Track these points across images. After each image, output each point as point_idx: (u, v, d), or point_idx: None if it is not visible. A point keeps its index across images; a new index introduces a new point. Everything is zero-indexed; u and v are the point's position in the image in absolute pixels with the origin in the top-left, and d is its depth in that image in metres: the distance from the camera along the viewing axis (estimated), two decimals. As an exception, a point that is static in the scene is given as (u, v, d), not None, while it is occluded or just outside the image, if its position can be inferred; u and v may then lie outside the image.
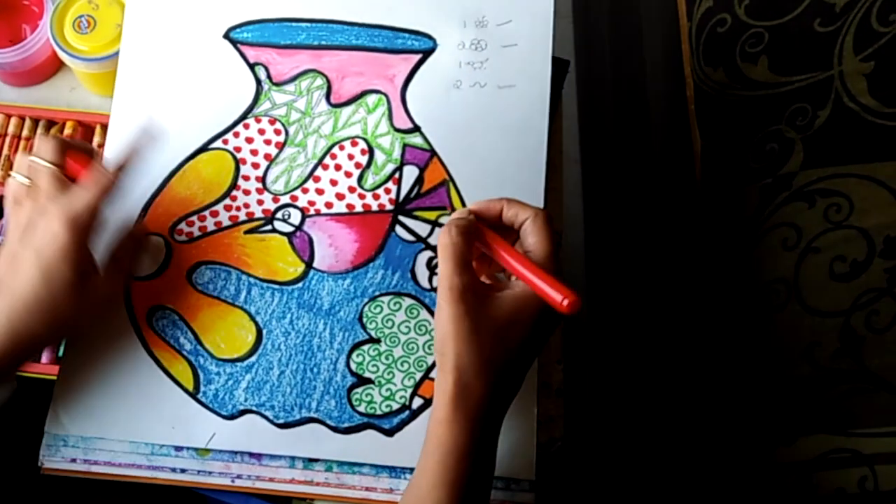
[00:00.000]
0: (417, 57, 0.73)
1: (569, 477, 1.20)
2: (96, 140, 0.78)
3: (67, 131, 0.78)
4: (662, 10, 1.13)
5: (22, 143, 0.78)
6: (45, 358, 0.73)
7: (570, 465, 1.21)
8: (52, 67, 0.82)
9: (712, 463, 0.94)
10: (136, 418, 0.65)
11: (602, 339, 1.31)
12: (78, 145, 0.65)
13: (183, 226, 0.69)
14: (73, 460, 0.66)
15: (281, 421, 0.65)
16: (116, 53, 0.75)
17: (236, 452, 0.65)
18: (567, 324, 0.75)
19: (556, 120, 0.77)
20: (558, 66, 0.76)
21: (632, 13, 1.27)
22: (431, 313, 0.67)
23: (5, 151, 0.77)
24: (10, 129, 0.78)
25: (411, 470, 0.64)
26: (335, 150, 0.71)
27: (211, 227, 0.69)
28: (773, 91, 0.90)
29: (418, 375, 0.66)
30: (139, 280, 0.68)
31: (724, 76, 0.95)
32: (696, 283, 1.04)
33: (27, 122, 0.79)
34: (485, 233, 0.60)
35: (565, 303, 0.55)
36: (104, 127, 0.78)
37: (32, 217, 0.60)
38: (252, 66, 0.72)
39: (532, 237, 0.59)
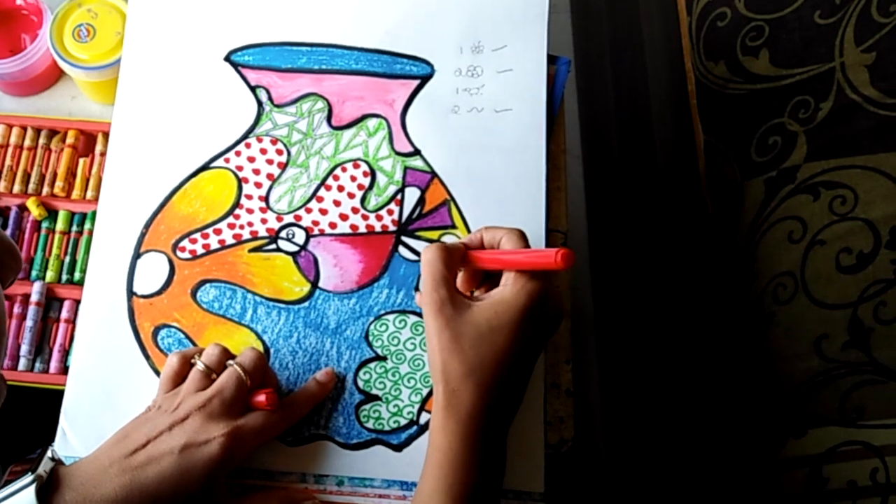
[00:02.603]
0: (416, 82, 0.74)
1: (579, 476, 1.22)
2: (98, 148, 0.78)
3: (70, 140, 0.78)
4: (662, 4, 1.12)
5: (24, 153, 0.78)
6: (53, 367, 0.73)
7: (581, 465, 1.22)
8: (52, 77, 0.83)
9: (723, 458, 0.95)
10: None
11: (609, 337, 1.31)
12: (272, 374, 0.66)
13: (185, 243, 0.70)
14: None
15: (290, 438, 0.66)
16: (117, 62, 0.76)
17: (246, 469, 0.66)
18: (575, 323, 0.75)
19: (559, 117, 0.77)
20: (557, 63, 0.77)
21: (631, 8, 1.26)
22: (437, 330, 0.68)
23: (8, 162, 0.78)
24: (13, 140, 0.79)
25: (422, 484, 0.65)
26: (337, 171, 0.72)
27: (214, 245, 0.70)
28: (774, 84, 0.90)
29: (425, 391, 0.67)
30: (142, 298, 0.69)
31: (725, 70, 0.95)
32: (702, 277, 1.04)
33: (29, 132, 0.79)
34: (469, 253, 0.63)
35: (558, 257, 0.56)
36: (106, 135, 0.78)
37: (196, 420, 0.60)
38: (253, 89, 0.73)
39: (508, 246, 0.62)
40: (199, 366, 0.63)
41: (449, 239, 0.70)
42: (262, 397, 0.62)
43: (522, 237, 0.62)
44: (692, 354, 1.07)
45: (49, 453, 0.60)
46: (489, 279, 0.64)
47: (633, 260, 1.28)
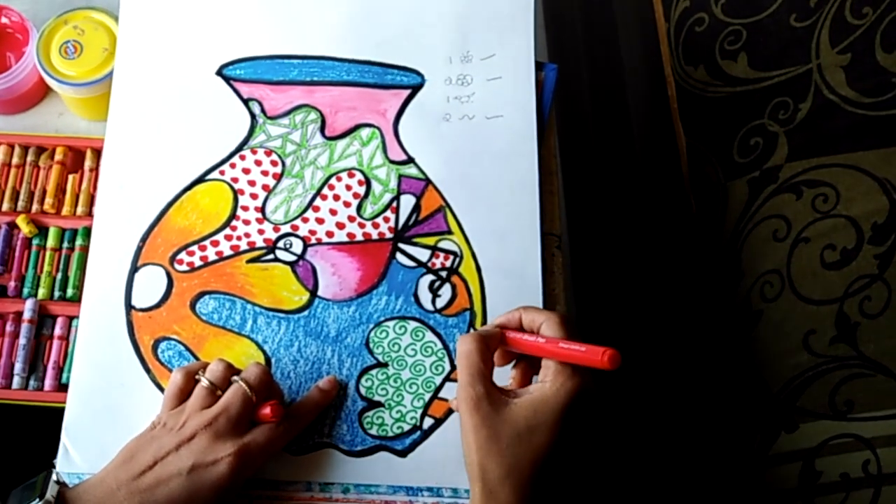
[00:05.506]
0: (407, 92, 0.74)
1: (578, 475, 1.22)
2: (87, 164, 0.78)
3: (58, 157, 0.78)
4: (638, 12, 1.14)
5: (12, 170, 0.78)
6: (47, 385, 0.72)
7: (578, 465, 1.23)
8: (38, 95, 0.82)
9: (716, 454, 0.96)
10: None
11: (595, 339, 1.31)
12: (276, 386, 0.65)
13: (183, 255, 0.70)
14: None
15: (295, 447, 0.66)
16: (104, 77, 0.76)
17: (252, 479, 0.65)
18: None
19: (549, 122, 0.78)
20: (545, 69, 0.78)
21: (606, 17, 1.28)
22: (436, 335, 0.69)
23: (-4, 179, 0.77)
24: (0, 158, 0.79)
25: (428, 489, 0.65)
26: (332, 181, 0.72)
27: (212, 257, 0.70)
28: (754, 86, 0.92)
29: (427, 396, 0.68)
30: (141, 311, 0.69)
31: (705, 74, 0.97)
32: (689, 278, 1.05)
33: (16, 150, 0.78)
34: (506, 336, 0.61)
35: (605, 357, 0.54)
36: (94, 151, 0.78)
37: (203, 439, 0.59)
38: (246, 101, 0.74)
39: (549, 332, 0.59)
40: (204, 382, 0.62)
41: (446, 245, 0.71)
42: (267, 410, 0.62)
43: (563, 323, 0.59)
44: (681, 354, 1.09)
45: (53, 476, 0.59)
46: (525, 358, 0.62)
47: (617, 263, 1.29)
